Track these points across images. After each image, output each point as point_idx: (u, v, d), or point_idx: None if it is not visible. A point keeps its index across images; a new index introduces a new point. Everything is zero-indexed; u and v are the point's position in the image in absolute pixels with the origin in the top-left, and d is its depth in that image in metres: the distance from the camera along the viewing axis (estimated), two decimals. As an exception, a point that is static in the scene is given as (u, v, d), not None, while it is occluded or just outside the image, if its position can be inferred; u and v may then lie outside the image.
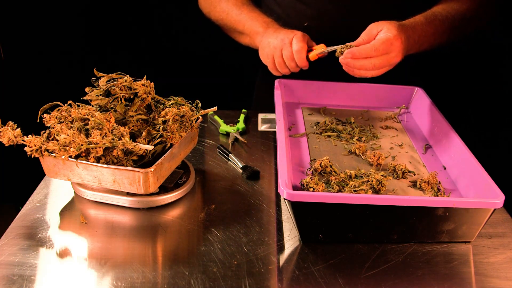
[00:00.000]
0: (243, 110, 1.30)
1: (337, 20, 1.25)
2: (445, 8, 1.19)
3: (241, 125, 1.23)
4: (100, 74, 0.95)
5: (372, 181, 0.89)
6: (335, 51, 1.10)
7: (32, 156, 0.85)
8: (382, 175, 0.91)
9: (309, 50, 1.14)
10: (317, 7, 1.25)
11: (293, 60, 1.13)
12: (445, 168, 1.02)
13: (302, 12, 1.25)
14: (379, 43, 1.03)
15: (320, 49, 1.12)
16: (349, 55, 1.04)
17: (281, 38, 1.13)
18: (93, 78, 0.95)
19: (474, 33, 1.28)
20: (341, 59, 1.06)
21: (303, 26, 1.25)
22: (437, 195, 0.92)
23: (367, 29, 1.07)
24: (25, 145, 0.84)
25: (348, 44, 1.07)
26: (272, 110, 1.30)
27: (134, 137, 0.91)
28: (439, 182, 0.96)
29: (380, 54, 1.03)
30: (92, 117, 0.85)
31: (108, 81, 0.94)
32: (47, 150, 0.84)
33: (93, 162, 0.84)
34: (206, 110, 1.00)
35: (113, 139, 0.83)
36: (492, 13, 1.29)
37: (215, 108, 1.02)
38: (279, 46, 1.13)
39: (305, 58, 1.12)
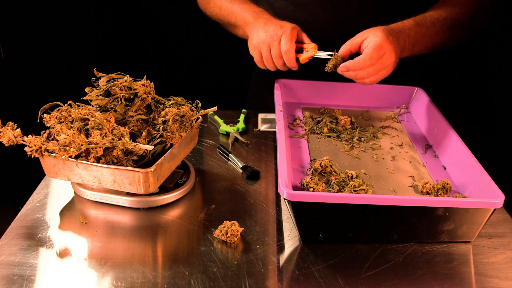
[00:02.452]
0: (243, 110, 1.30)
1: (326, 24, 1.25)
2: (436, 11, 1.19)
3: (241, 125, 1.23)
4: (100, 74, 0.95)
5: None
6: (326, 58, 1.10)
7: (32, 156, 0.85)
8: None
9: (300, 48, 1.13)
10: (307, 10, 1.26)
11: (281, 59, 1.12)
12: (445, 168, 1.02)
13: (293, 15, 1.25)
14: (370, 51, 1.03)
15: (310, 53, 1.11)
16: (344, 69, 1.05)
17: (270, 33, 1.11)
18: (93, 78, 0.95)
19: (470, 38, 1.28)
20: (338, 70, 1.08)
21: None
22: (437, 195, 0.92)
23: (352, 38, 1.08)
24: (25, 145, 0.84)
25: (337, 54, 1.08)
26: (268, 107, 1.31)
27: (134, 137, 0.91)
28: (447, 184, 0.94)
29: (375, 62, 1.04)
30: (92, 117, 0.85)
31: (108, 81, 0.94)
32: (47, 150, 0.84)
33: (93, 162, 0.84)
34: (206, 110, 1.00)
35: (113, 139, 0.83)
36: (488, 18, 1.29)
37: (215, 108, 1.02)
38: (267, 42, 1.12)
39: (294, 59, 1.11)
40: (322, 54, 1.11)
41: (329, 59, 1.09)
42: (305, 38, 1.14)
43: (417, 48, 1.15)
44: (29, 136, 0.85)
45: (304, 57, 1.11)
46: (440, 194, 0.91)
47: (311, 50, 1.11)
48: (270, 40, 1.11)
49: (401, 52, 1.09)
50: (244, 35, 1.26)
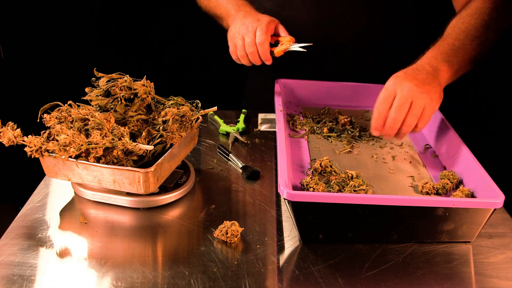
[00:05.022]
0: (243, 110, 1.30)
1: (311, 24, 1.24)
2: (465, 21, 1.07)
3: (241, 125, 1.23)
4: (100, 74, 0.95)
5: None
6: (300, 51, 1.07)
7: (32, 156, 0.85)
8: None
9: (276, 42, 1.13)
10: (293, 11, 1.24)
11: (253, 47, 1.11)
12: (445, 168, 1.02)
13: (280, 15, 1.24)
14: (379, 95, 0.96)
15: (284, 46, 1.10)
16: (376, 133, 0.98)
17: (246, 25, 1.12)
18: (93, 78, 0.95)
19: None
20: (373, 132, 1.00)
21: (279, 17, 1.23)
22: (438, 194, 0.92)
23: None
24: (25, 145, 0.84)
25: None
26: (268, 107, 1.31)
27: (134, 137, 0.91)
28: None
29: (390, 103, 0.95)
30: (92, 117, 0.85)
31: (108, 81, 0.94)
32: (47, 150, 0.84)
33: (93, 162, 0.84)
34: (206, 110, 1.00)
35: (113, 139, 0.83)
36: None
37: (215, 108, 1.02)
38: (242, 33, 1.12)
39: (268, 52, 1.11)
40: (296, 47, 1.09)
41: (303, 51, 1.08)
42: (282, 31, 1.13)
43: (461, 72, 1.07)
44: (29, 136, 0.85)
45: (278, 50, 1.11)
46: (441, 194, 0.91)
47: (286, 43, 1.11)
48: (245, 31, 1.11)
49: (448, 79, 1.03)
50: (227, 27, 1.26)
